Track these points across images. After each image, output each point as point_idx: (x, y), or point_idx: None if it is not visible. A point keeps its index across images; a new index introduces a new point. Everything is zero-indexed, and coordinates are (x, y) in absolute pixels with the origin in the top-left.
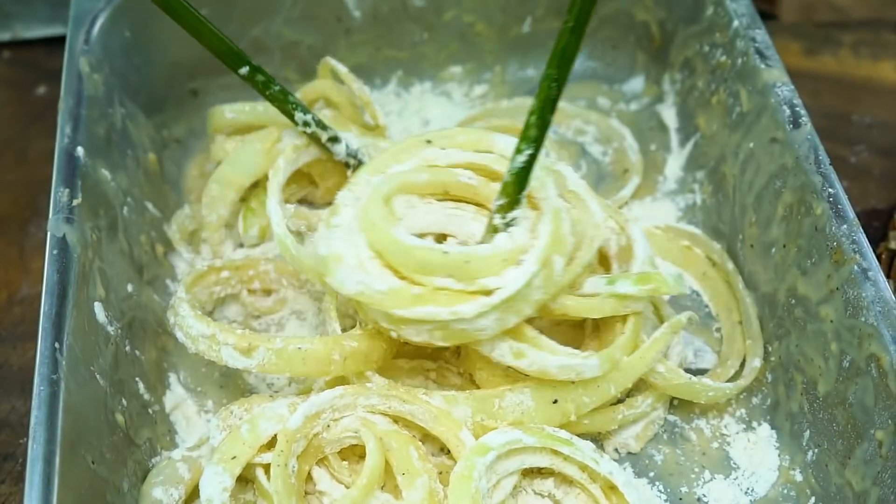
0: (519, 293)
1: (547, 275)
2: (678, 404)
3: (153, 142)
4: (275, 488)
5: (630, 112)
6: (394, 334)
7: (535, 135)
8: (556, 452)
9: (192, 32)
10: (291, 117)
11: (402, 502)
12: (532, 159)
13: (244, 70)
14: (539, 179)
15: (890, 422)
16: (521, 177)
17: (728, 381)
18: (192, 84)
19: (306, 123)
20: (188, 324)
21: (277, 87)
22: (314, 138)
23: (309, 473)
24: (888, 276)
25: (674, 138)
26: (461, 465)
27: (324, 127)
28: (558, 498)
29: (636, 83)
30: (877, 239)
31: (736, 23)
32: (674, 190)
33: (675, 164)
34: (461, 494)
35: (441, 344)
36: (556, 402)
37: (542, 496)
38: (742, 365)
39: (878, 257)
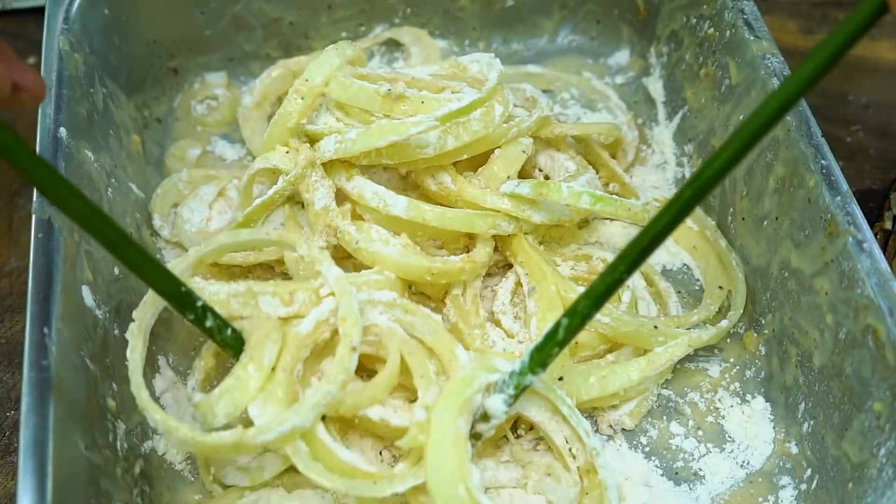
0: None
1: (487, 113)
2: (671, 379)
3: (134, 122)
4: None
5: (616, 86)
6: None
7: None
8: (555, 409)
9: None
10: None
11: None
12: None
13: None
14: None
15: (888, 393)
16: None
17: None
18: (172, 62)
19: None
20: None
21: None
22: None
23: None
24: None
25: (661, 111)
26: (462, 372)
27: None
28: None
29: (621, 56)
30: (871, 220)
31: None
32: (662, 163)
33: (662, 137)
34: (454, 395)
35: (388, 163)
36: (561, 378)
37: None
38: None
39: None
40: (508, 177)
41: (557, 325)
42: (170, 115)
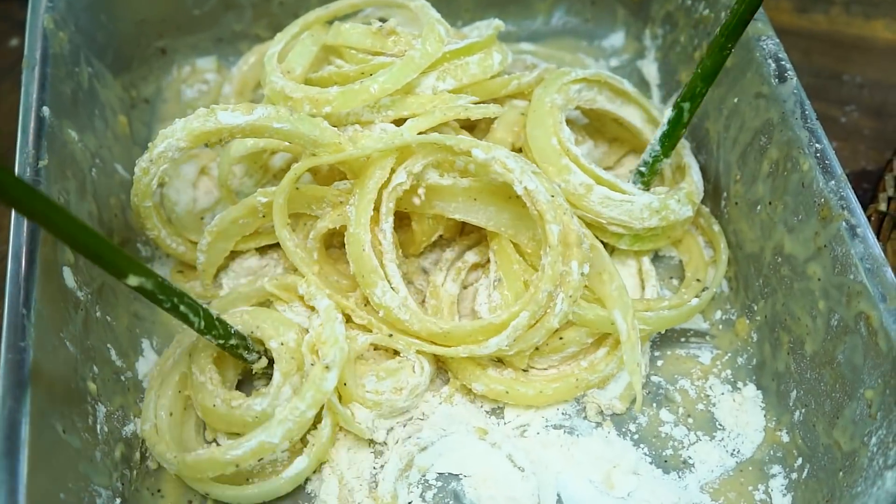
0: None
1: (486, 59)
2: (662, 366)
3: (121, 102)
4: None
5: (611, 68)
6: None
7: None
8: (650, 118)
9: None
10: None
11: None
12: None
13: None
14: None
15: (880, 381)
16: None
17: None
18: (160, 42)
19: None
20: None
21: (171, 303)
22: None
23: None
24: (878, 238)
25: (656, 94)
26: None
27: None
28: None
29: (616, 39)
30: (866, 201)
31: None
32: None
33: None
34: (553, 80)
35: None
36: None
37: None
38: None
39: (868, 219)
40: (512, 142)
41: (680, 109)
42: (157, 96)
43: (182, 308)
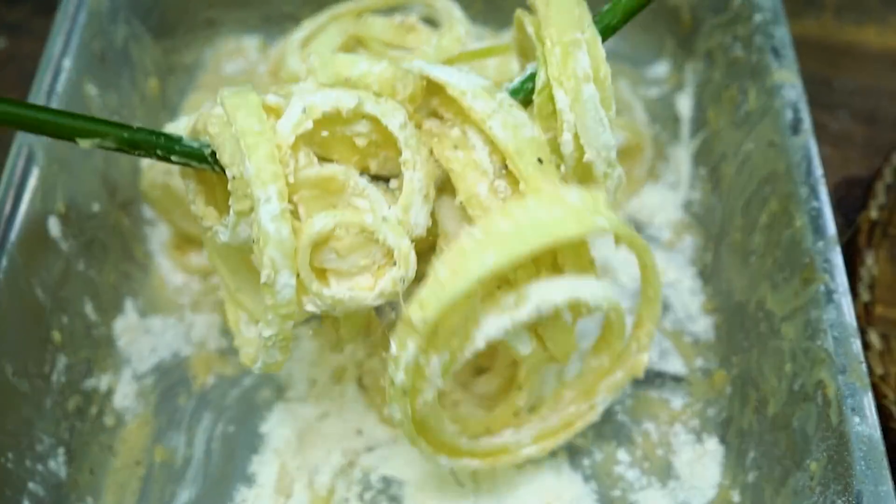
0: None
1: (504, 64)
2: (631, 405)
3: (158, 66)
4: None
5: (649, 98)
6: None
7: None
8: None
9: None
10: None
11: None
12: None
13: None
14: None
15: (824, 454)
16: None
17: None
18: (209, 13)
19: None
20: None
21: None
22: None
23: None
24: (869, 246)
25: (685, 130)
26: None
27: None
28: None
29: (660, 69)
30: (857, 208)
31: (758, 17)
32: (674, 182)
33: (681, 156)
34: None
35: None
36: None
37: None
38: None
39: (859, 227)
40: None
41: None
42: (198, 66)
43: (175, 158)
